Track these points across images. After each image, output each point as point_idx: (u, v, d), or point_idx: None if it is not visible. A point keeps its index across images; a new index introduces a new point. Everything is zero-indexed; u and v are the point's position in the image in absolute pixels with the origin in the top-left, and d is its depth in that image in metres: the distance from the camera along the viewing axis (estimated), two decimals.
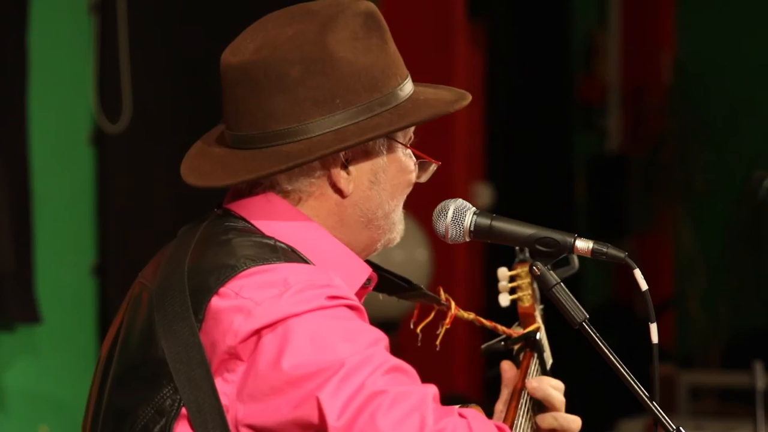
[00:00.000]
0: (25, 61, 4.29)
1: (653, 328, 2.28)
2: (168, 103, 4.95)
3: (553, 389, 2.38)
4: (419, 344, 2.48)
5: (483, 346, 2.49)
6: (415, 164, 2.30)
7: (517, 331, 2.53)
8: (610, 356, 2.25)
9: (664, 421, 2.20)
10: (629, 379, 2.23)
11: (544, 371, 2.50)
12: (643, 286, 2.26)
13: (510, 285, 2.53)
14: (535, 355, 2.47)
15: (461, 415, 2.03)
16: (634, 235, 8.77)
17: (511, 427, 2.33)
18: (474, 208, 2.34)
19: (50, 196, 4.46)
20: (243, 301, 2.06)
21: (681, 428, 2.20)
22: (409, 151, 2.28)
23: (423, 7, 6.67)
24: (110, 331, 2.27)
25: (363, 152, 2.23)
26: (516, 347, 2.53)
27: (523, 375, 2.42)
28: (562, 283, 2.28)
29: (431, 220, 2.37)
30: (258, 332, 2.04)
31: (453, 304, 2.48)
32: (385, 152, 2.25)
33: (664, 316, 8.41)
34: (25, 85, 4.29)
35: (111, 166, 4.70)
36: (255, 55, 2.21)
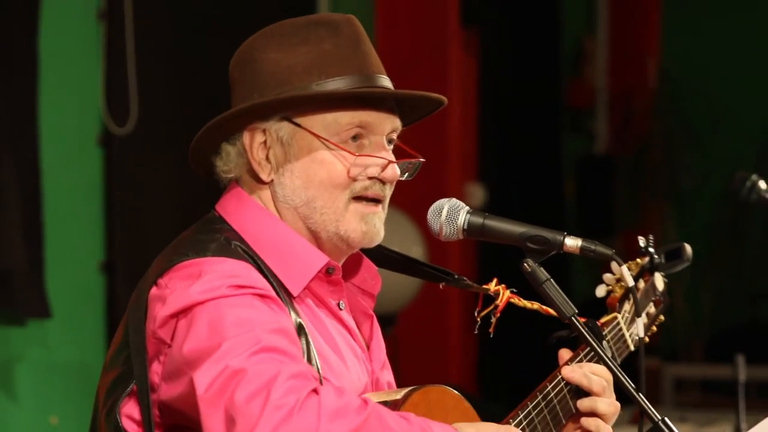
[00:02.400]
0: (36, 66, 4.29)
1: (639, 322, 2.28)
2: (173, 106, 4.94)
3: (592, 374, 2.36)
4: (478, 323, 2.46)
5: (551, 335, 2.46)
6: (360, 164, 2.31)
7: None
8: (599, 350, 2.24)
9: (650, 412, 2.20)
10: (617, 371, 2.23)
11: (599, 360, 2.43)
12: (630, 282, 2.26)
13: (614, 279, 2.55)
14: (588, 347, 2.42)
15: (315, 391, 2.08)
16: (621, 233, 8.77)
17: (521, 408, 2.32)
18: (467, 208, 2.34)
19: (60, 195, 4.45)
20: (164, 290, 2.23)
21: (666, 419, 2.19)
22: (337, 148, 2.31)
23: (419, 16, 6.67)
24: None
25: (278, 142, 2.32)
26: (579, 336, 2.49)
27: (566, 361, 2.40)
28: (552, 280, 2.28)
29: (426, 219, 2.37)
30: (173, 317, 2.20)
31: (507, 293, 2.46)
32: (295, 141, 2.32)
33: None
34: (36, 89, 4.29)
35: (118, 167, 4.70)
36: None
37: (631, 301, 2.58)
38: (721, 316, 8.61)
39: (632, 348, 2.61)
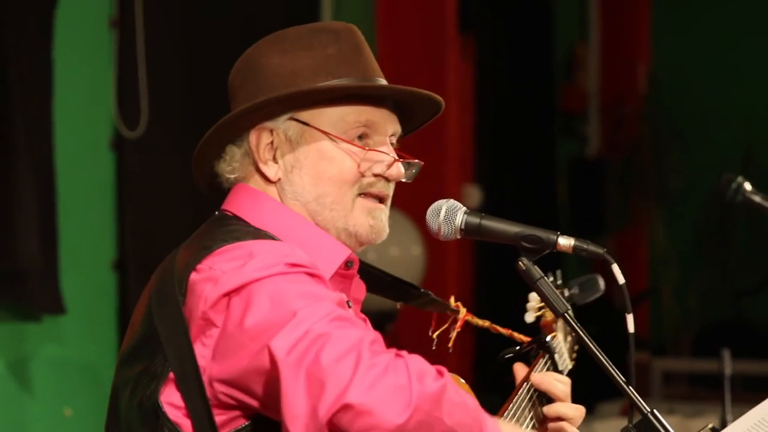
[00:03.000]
0: (50, 73, 4.29)
1: (629, 318, 2.29)
2: (182, 111, 4.95)
3: (558, 382, 2.41)
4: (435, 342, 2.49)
5: (500, 354, 2.50)
6: (368, 161, 2.32)
7: (527, 338, 2.55)
8: (590, 344, 2.25)
9: (640, 404, 2.21)
10: (607, 365, 2.24)
11: (556, 371, 2.51)
12: (621, 279, 2.27)
13: (538, 305, 2.57)
14: (546, 356, 2.48)
15: (398, 355, 2.06)
16: (611, 233, 8.77)
17: (501, 415, 2.34)
18: (465, 208, 2.35)
19: (73, 196, 4.46)
20: (213, 272, 2.14)
21: (655, 411, 2.20)
22: (346, 144, 2.31)
23: (418, 23, 6.67)
24: (129, 324, 2.34)
25: (286, 141, 2.31)
26: (531, 352, 2.54)
27: (530, 371, 2.43)
28: (545, 278, 2.29)
29: (425, 219, 2.37)
30: (226, 296, 2.11)
31: (464, 310, 2.50)
32: (303, 140, 2.31)
33: (640, 308, 8.41)
34: (51, 95, 4.30)
35: (130, 169, 4.70)
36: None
37: (561, 323, 2.61)
38: (707, 312, 8.61)
39: (570, 366, 2.64)
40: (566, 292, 2.61)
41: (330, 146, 2.30)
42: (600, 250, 2.28)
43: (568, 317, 2.28)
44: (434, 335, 2.50)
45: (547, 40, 8.52)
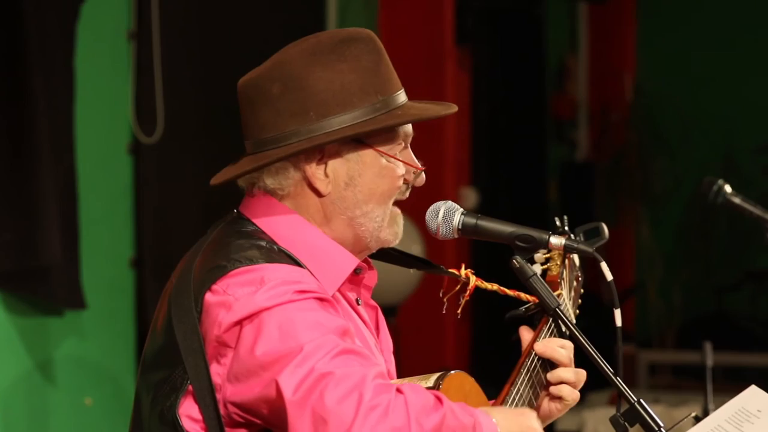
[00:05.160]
0: (72, 82, 4.29)
1: (617, 313, 2.28)
2: (196, 118, 4.95)
3: (560, 348, 2.34)
4: (444, 311, 2.45)
5: (507, 315, 2.45)
6: (405, 172, 2.29)
7: (533, 298, 2.46)
8: (580, 337, 2.24)
9: (627, 394, 2.20)
10: (596, 357, 2.23)
11: (560, 335, 2.43)
12: (609, 276, 2.26)
13: (545, 256, 2.51)
14: (550, 320, 2.41)
15: (399, 391, 2.02)
16: None
17: (511, 384, 2.30)
18: (462, 209, 2.34)
19: (94, 198, 4.45)
20: (226, 297, 2.11)
21: (641, 400, 2.19)
22: (394, 159, 2.26)
23: (417, 35, 6.67)
24: (152, 323, 2.31)
25: (339, 157, 2.23)
26: (536, 313, 2.47)
27: (534, 337, 2.37)
28: (538, 275, 2.28)
29: (424, 220, 2.36)
30: (238, 323, 2.08)
31: (473, 278, 2.46)
32: (360, 159, 2.24)
33: (626, 303, 8.40)
34: (72, 102, 4.29)
35: (146, 173, 4.70)
36: (251, 77, 2.26)
37: (567, 279, 2.55)
38: (690, 307, 8.60)
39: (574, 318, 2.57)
40: (573, 238, 2.49)
41: (383, 163, 2.26)
42: (589, 249, 2.27)
43: (559, 312, 2.27)
44: (445, 298, 2.47)
45: (538, 52, 8.51)
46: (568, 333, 2.37)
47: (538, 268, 2.48)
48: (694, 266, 8.60)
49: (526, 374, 2.33)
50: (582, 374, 2.36)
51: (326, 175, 2.24)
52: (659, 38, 9.05)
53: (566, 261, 2.52)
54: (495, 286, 2.45)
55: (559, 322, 2.30)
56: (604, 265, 2.25)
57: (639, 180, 8.61)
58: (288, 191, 2.25)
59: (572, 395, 2.35)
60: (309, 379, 2.00)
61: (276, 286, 2.09)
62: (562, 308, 2.31)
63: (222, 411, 2.10)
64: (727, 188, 3.57)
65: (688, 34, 8.92)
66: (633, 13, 9.15)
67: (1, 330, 4.10)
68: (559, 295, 2.49)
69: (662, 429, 2.17)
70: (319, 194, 2.24)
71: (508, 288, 2.44)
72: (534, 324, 2.41)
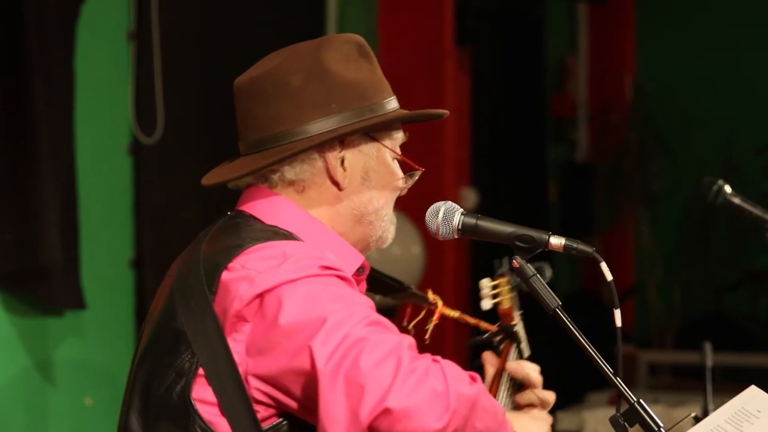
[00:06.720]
0: (72, 82, 4.29)
1: (617, 313, 2.28)
2: (196, 119, 4.95)
3: (531, 370, 2.42)
4: (412, 333, 2.48)
5: (469, 340, 2.51)
6: (404, 173, 2.33)
7: (494, 327, 2.56)
8: (580, 338, 2.24)
9: (626, 394, 2.20)
10: (596, 357, 2.23)
11: (521, 358, 2.53)
12: (608, 277, 2.26)
13: (492, 292, 2.55)
14: (514, 345, 2.50)
15: (435, 360, 2.02)
16: (600, 233, 8.76)
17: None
18: (462, 210, 2.34)
19: (94, 198, 4.45)
20: (247, 271, 2.08)
21: (641, 400, 2.19)
22: (399, 158, 2.31)
23: (417, 36, 6.67)
24: (146, 318, 2.29)
25: (357, 152, 2.26)
26: (497, 340, 2.55)
27: (504, 360, 2.44)
28: (538, 275, 2.28)
29: (425, 220, 2.37)
30: (260, 296, 2.05)
31: (440, 303, 2.50)
32: (375, 154, 2.27)
33: (626, 303, 8.41)
34: (72, 103, 4.29)
35: (146, 173, 4.70)
36: (262, 71, 2.26)
37: (518, 312, 2.62)
38: (689, 307, 8.60)
39: (527, 353, 2.64)
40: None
41: (392, 161, 2.30)
42: (589, 249, 2.27)
43: (559, 312, 2.27)
44: (410, 326, 2.50)
45: (539, 52, 8.51)
46: (527, 356, 2.45)
47: (488, 303, 2.53)
48: (694, 266, 8.60)
49: (503, 395, 2.37)
50: (552, 396, 2.42)
51: (345, 170, 2.26)
52: (659, 38, 9.06)
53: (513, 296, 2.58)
54: (458, 314, 2.50)
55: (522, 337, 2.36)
56: (604, 266, 2.25)
57: (639, 180, 8.61)
58: (308, 183, 2.24)
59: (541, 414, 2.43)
60: (343, 345, 1.96)
61: (300, 260, 2.07)
62: (553, 314, 2.33)
63: (247, 388, 2.05)
64: (727, 188, 3.57)
65: (688, 34, 8.92)
66: (633, 14, 9.15)
67: (1, 330, 4.10)
68: (515, 324, 2.54)
69: (662, 429, 2.16)
70: (339, 187, 2.25)
71: (470, 316, 2.51)
72: (496, 350, 2.49)
